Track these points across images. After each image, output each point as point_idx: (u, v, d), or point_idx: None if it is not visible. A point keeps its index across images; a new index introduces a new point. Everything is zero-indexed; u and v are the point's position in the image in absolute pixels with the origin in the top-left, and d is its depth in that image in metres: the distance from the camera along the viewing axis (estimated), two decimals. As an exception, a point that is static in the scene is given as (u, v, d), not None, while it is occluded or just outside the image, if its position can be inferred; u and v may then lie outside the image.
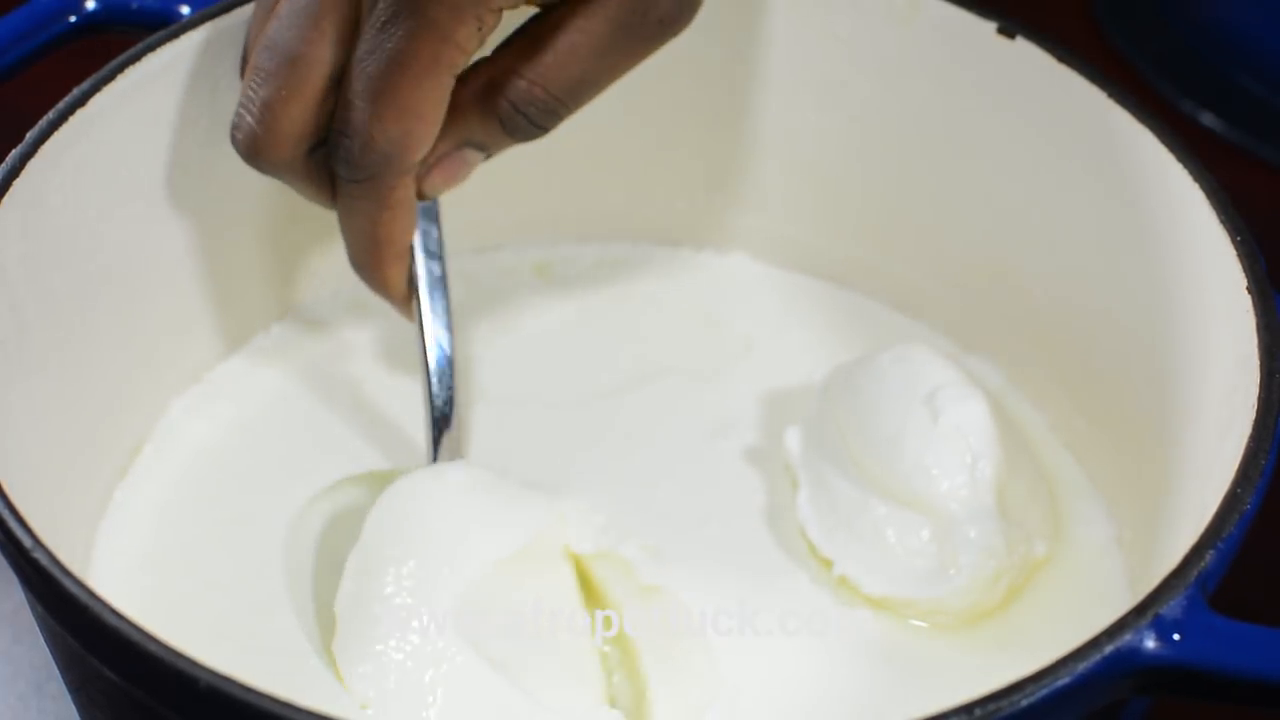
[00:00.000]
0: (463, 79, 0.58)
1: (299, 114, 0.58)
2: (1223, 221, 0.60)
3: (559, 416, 0.70)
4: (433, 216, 0.64)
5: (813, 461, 0.66)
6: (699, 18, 0.70)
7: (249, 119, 0.59)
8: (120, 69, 0.63)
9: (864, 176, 0.74)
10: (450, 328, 0.64)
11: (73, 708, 0.63)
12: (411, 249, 0.63)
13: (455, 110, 0.59)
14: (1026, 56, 0.66)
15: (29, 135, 0.60)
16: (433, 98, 0.57)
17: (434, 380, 0.64)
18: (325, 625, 0.61)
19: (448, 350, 0.64)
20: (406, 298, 0.63)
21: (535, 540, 0.60)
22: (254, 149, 0.60)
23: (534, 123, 0.59)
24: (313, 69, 0.58)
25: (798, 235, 0.76)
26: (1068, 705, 0.48)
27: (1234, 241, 0.59)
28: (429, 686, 0.57)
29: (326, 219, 0.68)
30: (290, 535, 0.65)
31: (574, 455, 0.68)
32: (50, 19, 0.66)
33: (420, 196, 0.61)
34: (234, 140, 0.60)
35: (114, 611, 0.48)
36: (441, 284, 0.64)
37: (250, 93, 0.59)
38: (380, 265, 0.62)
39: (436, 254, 0.64)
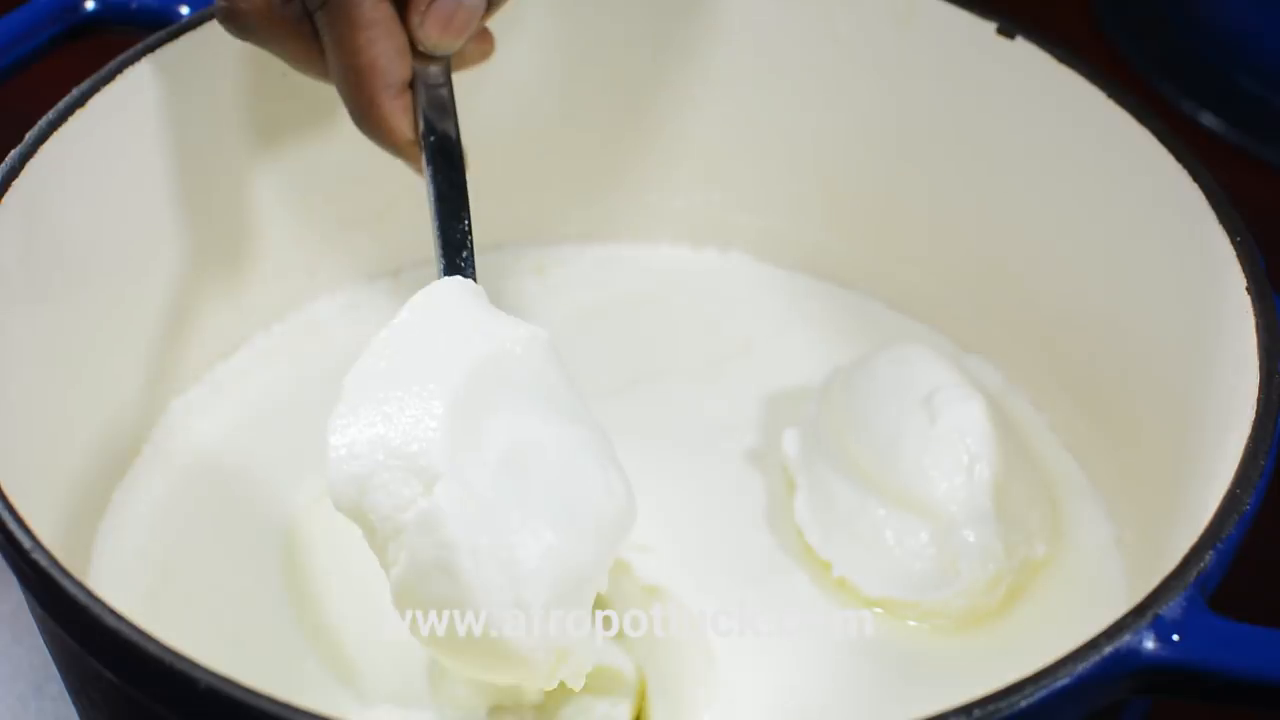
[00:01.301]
0: None
1: None
2: (1223, 221, 0.60)
3: (559, 416, 0.70)
4: (446, 105, 0.61)
5: (811, 463, 0.66)
6: (700, 19, 0.70)
7: None
8: (120, 69, 0.63)
9: (864, 176, 0.74)
10: (462, 167, 0.60)
11: (72, 708, 0.63)
12: (416, 103, 0.60)
13: None
14: (1026, 56, 0.66)
15: (29, 135, 0.60)
16: None
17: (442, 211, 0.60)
18: (325, 625, 0.61)
19: (461, 187, 0.60)
20: (412, 142, 0.61)
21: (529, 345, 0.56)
22: (231, 11, 0.59)
23: None
24: None
25: (798, 235, 0.76)
26: (1067, 706, 0.48)
27: (1234, 241, 0.59)
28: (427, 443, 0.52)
29: (325, 218, 0.68)
30: (290, 536, 0.65)
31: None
32: (50, 19, 0.66)
33: (421, 49, 0.60)
34: (218, 17, 0.60)
35: (113, 612, 0.48)
36: (453, 128, 0.61)
37: None
38: (374, 102, 0.59)
39: (450, 114, 0.61)
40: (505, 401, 0.54)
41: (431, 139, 0.60)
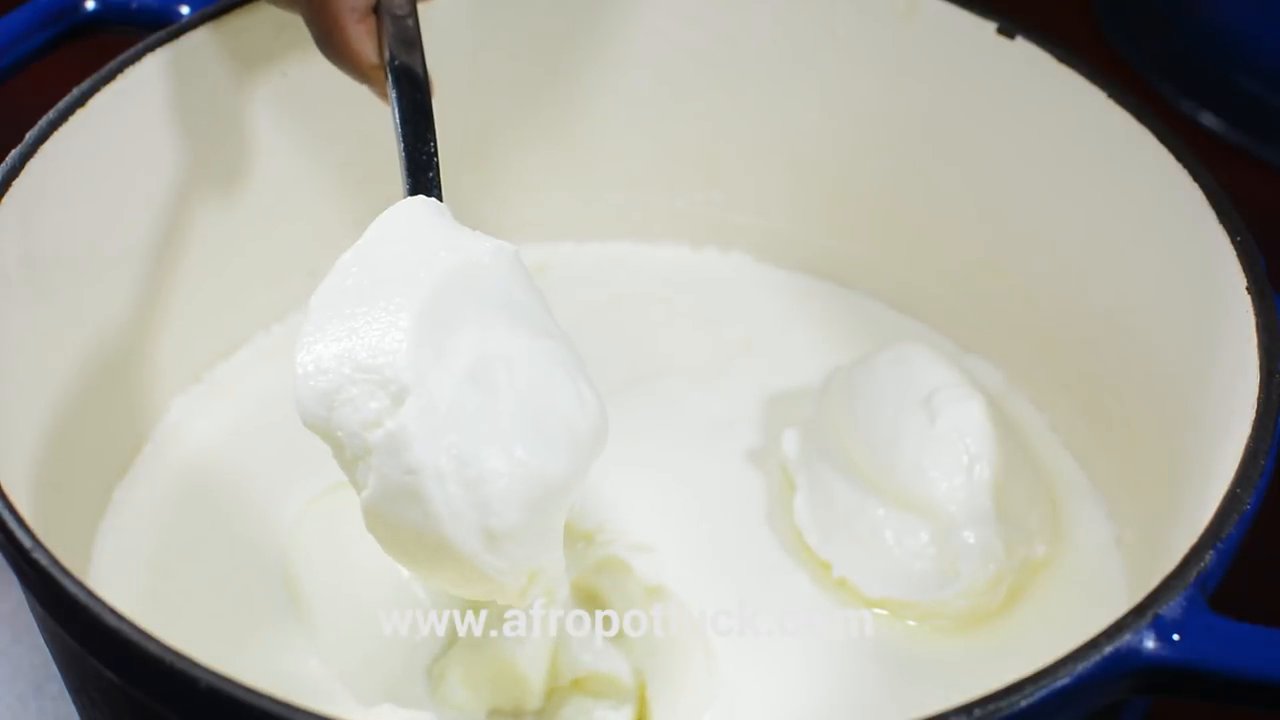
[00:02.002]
0: None
1: None
2: (1223, 221, 0.60)
3: (559, 416, 0.70)
4: (412, 39, 0.61)
5: (811, 464, 0.66)
6: (700, 17, 0.69)
7: None
8: (120, 69, 0.63)
9: (864, 176, 0.74)
10: (428, 90, 0.60)
11: (72, 708, 0.63)
12: (382, 32, 0.60)
13: None
14: (1026, 56, 0.66)
15: (29, 135, 0.60)
16: None
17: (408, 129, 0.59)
18: (325, 626, 0.61)
19: (425, 101, 0.59)
20: (376, 66, 0.60)
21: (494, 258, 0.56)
22: None
23: None
24: None
25: (798, 235, 0.76)
26: (1067, 706, 0.48)
27: (1234, 241, 0.59)
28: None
29: (324, 218, 0.68)
30: (290, 535, 0.65)
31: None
32: (50, 19, 0.66)
33: None
34: None
35: (114, 612, 0.48)
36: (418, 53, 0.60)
37: None
38: (337, 24, 0.59)
39: (415, 44, 0.60)
40: (473, 314, 0.53)
41: (396, 63, 0.60)
